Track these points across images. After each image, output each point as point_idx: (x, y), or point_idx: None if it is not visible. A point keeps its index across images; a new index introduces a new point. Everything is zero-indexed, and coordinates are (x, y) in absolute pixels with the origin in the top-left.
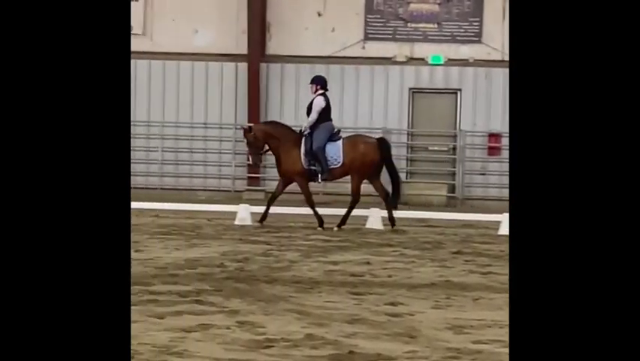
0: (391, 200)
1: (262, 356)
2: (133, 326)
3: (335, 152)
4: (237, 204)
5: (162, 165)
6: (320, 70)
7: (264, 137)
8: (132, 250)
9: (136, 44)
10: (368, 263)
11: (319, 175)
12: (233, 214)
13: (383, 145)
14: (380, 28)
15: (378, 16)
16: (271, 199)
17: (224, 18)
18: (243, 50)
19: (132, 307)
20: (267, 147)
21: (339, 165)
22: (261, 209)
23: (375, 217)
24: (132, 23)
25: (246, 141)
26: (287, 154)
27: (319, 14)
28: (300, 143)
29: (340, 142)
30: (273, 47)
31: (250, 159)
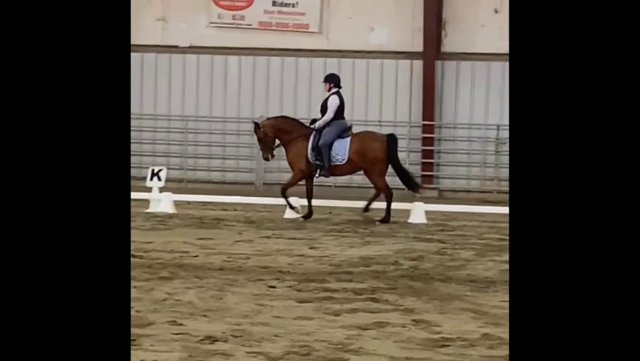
0: (412, 188)
1: (438, 355)
2: (309, 322)
3: (341, 149)
4: (411, 202)
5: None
6: (496, 68)
7: (273, 132)
8: (306, 247)
9: (312, 42)
10: None
11: (321, 170)
12: (407, 212)
13: (391, 142)
14: None
15: None
16: (308, 196)
17: (400, 15)
18: (419, 47)
19: (308, 304)
20: (277, 142)
21: (345, 162)
22: (436, 207)
23: None
24: (309, 21)
25: (256, 137)
26: (294, 147)
27: (496, 11)
28: (300, 136)
29: (348, 139)
30: (449, 45)
31: (262, 154)
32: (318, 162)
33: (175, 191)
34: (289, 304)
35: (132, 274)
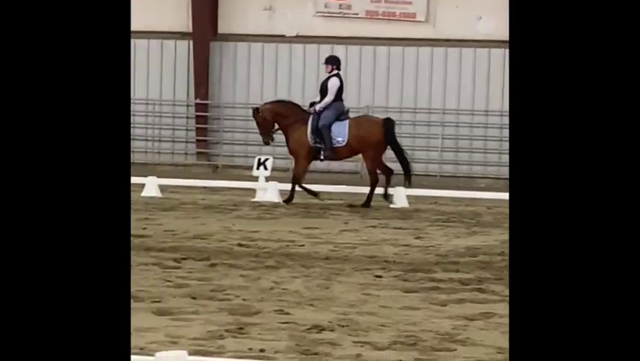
0: (405, 181)
1: None
2: (415, 312)
3: (340, 131)
4: None
5: (442, 153)
6: None
7: (272, 116)
8: (412, 237)
9: (419, 32)
10: None
11: (323, 152)
12: None
13: (388, 125)
14: None
15: None
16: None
17: (507, 3)
18: None
19: (414, 294)
20: (277, 127)
21: (344, 144)
22: None
23: None
24: (416, 10)
25: (255, 121)
26: (294, 132)
27: None
28: (299, 120)
29: (347, 122)
30: None
31: (261, 139)
32: (318, 145)
33: (281, 180)
34: (395, 294)
35: (239, 262)
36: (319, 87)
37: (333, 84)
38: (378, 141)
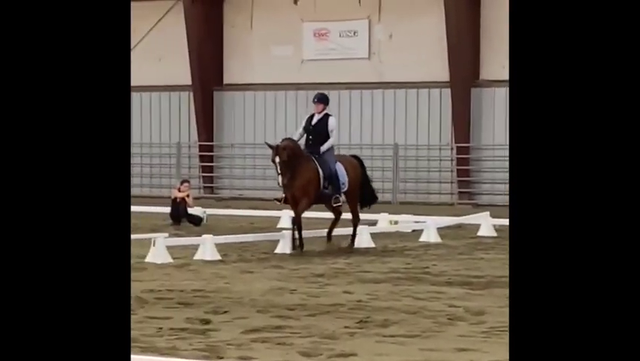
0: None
1: None
2: None
3: (343, 175)
4: None
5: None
6: None
7: (293, 155)
8: None
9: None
10: None
11: (338, 197)
12: None
13: (361, 163)
14: None
15: None
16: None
17: None
18: None
19: None
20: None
21: (346, 188)
22: None
23: None
24: None
25: (279, 161)
26: (305, 172)
27: None
28: (310, 162)
29: (341, 165)
30: None
31: (280, 181)
32: (327, 191)
33: None
34: None
35: None
36: (304, 125)
37: (334, 124)
38: (360, 180)
